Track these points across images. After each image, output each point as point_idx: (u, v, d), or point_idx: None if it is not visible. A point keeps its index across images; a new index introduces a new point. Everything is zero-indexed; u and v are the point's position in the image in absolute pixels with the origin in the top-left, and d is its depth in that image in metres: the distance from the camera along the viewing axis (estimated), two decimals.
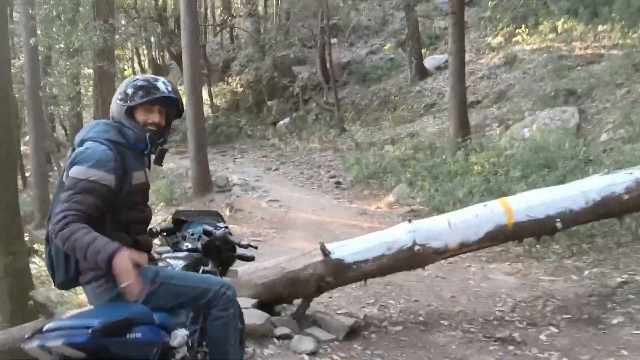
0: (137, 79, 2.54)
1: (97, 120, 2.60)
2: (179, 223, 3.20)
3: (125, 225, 2.40)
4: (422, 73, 17.57)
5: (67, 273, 2.32)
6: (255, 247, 3.26)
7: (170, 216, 3.37)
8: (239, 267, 3.48)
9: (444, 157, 11.11)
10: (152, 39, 23.50)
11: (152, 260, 2.57)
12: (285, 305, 5.02)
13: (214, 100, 23.15)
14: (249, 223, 9.32)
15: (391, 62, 19.60)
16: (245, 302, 4.49)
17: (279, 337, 4.29)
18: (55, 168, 17.26)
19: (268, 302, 4.74)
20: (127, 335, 2.04)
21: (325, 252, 4.70)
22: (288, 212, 10.19)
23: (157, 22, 20.16)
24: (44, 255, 2.34)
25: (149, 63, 28.23)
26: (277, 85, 21.07)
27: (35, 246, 12.07)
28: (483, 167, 9.40)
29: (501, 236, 4.88)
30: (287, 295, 4.78)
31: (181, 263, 2.79)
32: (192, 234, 3.05)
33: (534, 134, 10.34)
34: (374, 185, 12.13)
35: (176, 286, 2.42)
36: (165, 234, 3.16)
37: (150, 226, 2.66)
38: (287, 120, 20.15)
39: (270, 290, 4.69)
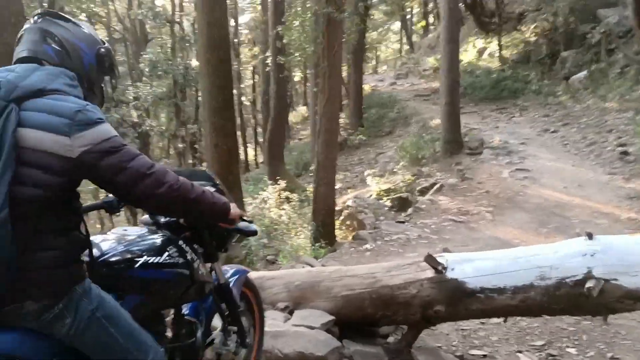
0: None
1: None
2: None
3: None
4: None
5: (2, 286, 1.53)
6: (250, 221, 2.34)
7: None
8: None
9: None
10: None
11: None
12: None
13: (503, 52, 20.68)
14: (466, 195, 7.67)
15: None
16: (316, 318, 3.30)
17: None
18: None
19: (351, 322, 3.39)
20: None
21: (435, 267, 3.09)
22: (529, 186, 8.11)
23: None
24: None
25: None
26: (576, 34, 17.48)
27: None
28: None
29: None
30: (379, 318, 3.34)
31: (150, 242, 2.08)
32: None
33: None
34: None
35: (110, 336, 1.74)
36: None
37: None
38: (583, 74, 16.63)
39: (354, 307, 3.34)
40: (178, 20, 17.65)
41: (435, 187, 9.90)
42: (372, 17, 32.19)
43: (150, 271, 1.96)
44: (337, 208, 12.03)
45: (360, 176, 15.02)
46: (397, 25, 36.97)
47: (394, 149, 15.43)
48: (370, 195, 11.73)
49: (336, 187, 14.50)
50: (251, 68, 28.79)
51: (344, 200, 12.42)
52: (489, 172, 9.21)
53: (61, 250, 1.63)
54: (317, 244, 8.87)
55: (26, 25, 1.77)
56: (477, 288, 3.02)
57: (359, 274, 3.42)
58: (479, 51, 22.96)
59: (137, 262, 1.94)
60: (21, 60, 1.71)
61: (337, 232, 9.98)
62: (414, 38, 36.47)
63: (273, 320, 3.39)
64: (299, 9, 10.97)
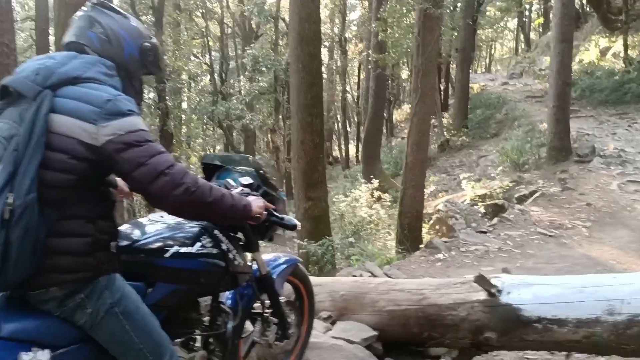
0: None
1: None
2: (210, 170, 2.41)
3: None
4: None
5: (27, 269, 1.56)
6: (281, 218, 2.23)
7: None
8: None
9: None
10: None
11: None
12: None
13: (629, 52, 18.91)
14: (563, 207, 7.01)
15: None
16: (358, 332, 3.13)
17: None
18: None
19: (397, 340, 3.15)
20: None
21: (488, 290, 2.78)
22: (638, 200, 7.27)
23: None
24: None
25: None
26: None
27: None
28: None
29: None
30: (425, 338, 3.07)
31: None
32: (243, 185, 2.22)
33: None
34: None
35: (125, 333, 1.73)
36: None
37: None
38: None
39: (399, 324, 3.10)
40: (283, 17, 17.98)
41: (535, 196, 9.21)
42: (485, 12, 30.90)
43: (181, 261, 1.95)
44: (429, 211, 11.62)
45: (458, 179, 14.41)
46: (514, 22, 35.19)
47: (497, 153, 14.63)
48: (464, 200, 11.17)
49: (430, 190, 14.06)
50: (357, 65, 28.73)
51: (437, 204, 11.94)
52: (595, 183, 8.38)
53: (89, 237, 1.64)
54: (401, 247, 8.59)
55: (78, 12, 1.82)
56: (533, 317, 2.67)
57: (407, 288, 3.17)
58: (601, 51, 21.16)
59: (168, 252, 1.93)
60: (67, 45, 1.78)
61: (426, 236, 9.61)
62: (532, 36, 34.51)
63: (313, 330, 3.24)
64: (395, 4, 10.63)
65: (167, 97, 16.04)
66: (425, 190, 13.95)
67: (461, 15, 18.51)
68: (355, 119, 29.35)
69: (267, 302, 2.46)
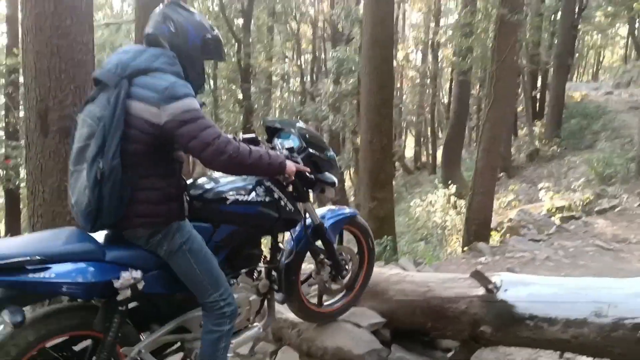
0: None
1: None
2: (271, 132, 2.87)
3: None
4: None
5: (116, 214, 2.10)
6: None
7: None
8: None
9: None
10: None
11: None
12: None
13: None
14: (632, 221, 6.72)
15: None
16: (366, 318, 3.33)
17: None
18: None
19: (404, 328, 3.31)
20: (30, 275, 1.91)
21: (485, 286, 2.89)
22: None
23: None
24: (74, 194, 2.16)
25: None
26: None
27: None
28: None
29: None
30: (430, 329, 3.20)
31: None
32: (285, 147, 2.70)
33: None
34: None
35: (190, 266, 2.24)
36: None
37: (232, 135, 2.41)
38: None
39: (406, 314, 3.26)
40: None
41: (616, 210, 8.78)
42: (593, 18, 29.21)
43: (239, 207, 2.44)
44: (504, 220, 11.35)
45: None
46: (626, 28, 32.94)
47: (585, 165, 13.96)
48: (541, 212, 10.82)
49: (509, 199, 13.68)
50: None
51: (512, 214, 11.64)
52: None
53: (162, 190, 2.15)
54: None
55: (156, 9, 2.30)
56: (526, 314, 2.74)
57: (416, 281, 3.32)
58: None
59: (229, 200, 2.42)
60: (146, 35, 2.26)
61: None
62: None
63: None
64: (474, 10, 10.52)
65: (251, 96, 16.81)
66: (502, 198, 13.63)
67: (559, 20, 17.82)
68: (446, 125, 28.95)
69: (321, 247, 2.93)
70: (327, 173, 2.77)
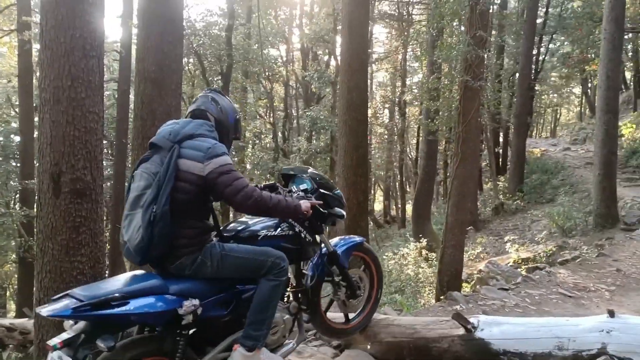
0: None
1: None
2: (287, 178, 3.49)
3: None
4: None
5: (163, 249, 2.60)
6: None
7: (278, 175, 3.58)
8: None
9: None
10: None
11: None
12: None
13: None
14: (592, 271, 7.26)
15: None
16: (361, 359, 3.66)
17: None
18: None
19: None
20: (116, 309, 2.31)
21: (464, 326, 3.31)
22: None
23: None
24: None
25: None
26: None
27: None
28: None
29: None
30: None
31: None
32: (300, 190, 3.24)
33: None
34: None
35: (237, 258, 2.74)
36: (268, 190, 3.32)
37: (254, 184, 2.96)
38: None
39: (395, 354, 3.64)
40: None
41: (577, 261, 9.37)
42: (548, 79, 31.07)
43: (269, 241, 2.97)
44: (474, 272, 11.86)
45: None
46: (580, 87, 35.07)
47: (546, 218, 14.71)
48: (508, 263, 11.38)
49: (477, 251, 14.25)
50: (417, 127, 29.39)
51: (481, 266, 12.16)
52: (633, 251, 8.52)
53: (198, 229, 2.69)
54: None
55: (201, 93, 2.99)
56: (500, 350, 3.16)
57: (403, 324, 3.72)
58: None
59: (260, 236, 2.98)
60: (192, 111, 2.90)
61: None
62: (597, 102, 34.12)
63: (323, 355, 3.82)
64: (440, 77, 11.37)
65: (234, 153, 17.33)
66: (471, 251, 14.20)
67: (517, 82, 19.05)
68: (414, 178, 29.81)
69: (337, 271, 3.49)
70: (336, 208, 3.31)
